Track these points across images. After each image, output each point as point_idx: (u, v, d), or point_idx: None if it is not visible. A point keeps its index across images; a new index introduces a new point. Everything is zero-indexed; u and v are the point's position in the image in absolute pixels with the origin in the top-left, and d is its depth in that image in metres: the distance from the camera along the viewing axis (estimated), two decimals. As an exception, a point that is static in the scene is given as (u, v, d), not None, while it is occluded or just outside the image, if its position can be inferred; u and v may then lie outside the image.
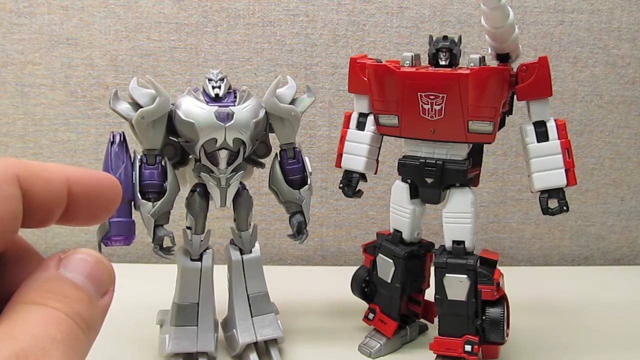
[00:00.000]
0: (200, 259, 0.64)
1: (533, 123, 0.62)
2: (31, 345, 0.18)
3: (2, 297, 0.21)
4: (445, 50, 0.62)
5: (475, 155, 0.66)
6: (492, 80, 0.59)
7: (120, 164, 0.59)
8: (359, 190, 0.69)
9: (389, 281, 0.68)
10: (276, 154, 0.67)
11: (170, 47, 0.94)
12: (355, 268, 0.74)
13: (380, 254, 0.69)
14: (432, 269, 0.66)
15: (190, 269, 0.64)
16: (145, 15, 0.93)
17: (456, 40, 0.63)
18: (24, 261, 0.23)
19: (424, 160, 0.64)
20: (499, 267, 0.64)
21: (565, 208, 0.62)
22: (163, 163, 0.61)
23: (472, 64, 0.61)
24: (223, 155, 0.61)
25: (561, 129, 0.61)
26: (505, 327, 0.63)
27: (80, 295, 0.21)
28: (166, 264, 0.65)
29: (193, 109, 0.60)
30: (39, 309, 0.19)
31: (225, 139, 0.60)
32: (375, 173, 0.70)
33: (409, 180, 0.66)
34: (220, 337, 0.68)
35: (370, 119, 0.67)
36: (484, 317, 0.62)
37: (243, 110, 0.60)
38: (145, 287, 0.77)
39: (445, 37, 0.63)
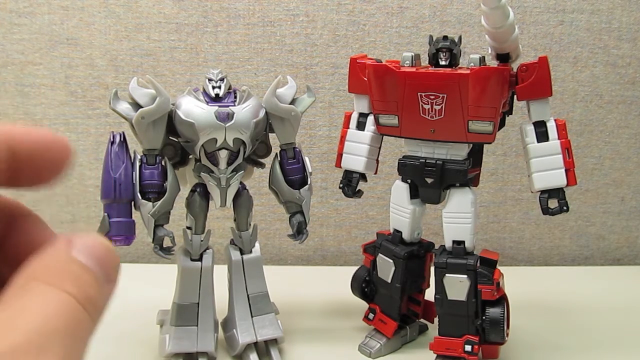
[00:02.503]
0: (200, 259, 0.64)
1: (533, 123, 0.62)
2: (42, 328, 0.18)
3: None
4: (446, 50, 0.62)
5: (475, 155, 0.66)
6: (492, 80, 0.59)
7: (120, 164, 0.59)
8: (359, 190, 0.69)
9: (389, 281, 0.68)
10: (276, 154, 0.67)
11: (170, 47, 0.94)
12: (355, 268, 0.74)
13: (380, 254, 0.69)
14: (432, 269, 0.66)
15: (190, 269, 0.64)
16: (145, 15, 0.93)
17: (456, 40, 0.63)
18: (19, 222, 0.23)
19: (424, 160, 0.64)
20: (499, 267, 0.64)
21: (565, 208, 0.62)
22: (163, 163, 0.61)
23: (472, 64, 0.61)
24: (223, 155, 0.61)
25: (561, 129, 0.61)
26: (505, 327, 0.63)
27: (91, 279, 0.20)
28: (166, 264, 0.65)
29: (193, 109, 0.60)
30: (51, 290, 0.19)
31: (225, 139, 0.60)
32: (375, 173, 0.70)
33: (409, 180, 0.66)
34: (220, 337, 0.68)
35: (370, 119, 0.67)
36: (484, 317, 0.62)
37: (243, 110, 0.60)
38: (145, 287, 0.77)
39: (445, 37, 0.63)
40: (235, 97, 0.61)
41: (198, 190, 0.64)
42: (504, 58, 0.61)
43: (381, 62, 0.65)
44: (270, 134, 0.66)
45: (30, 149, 0.21)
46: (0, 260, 0.23)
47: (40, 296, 0.19)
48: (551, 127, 0.62)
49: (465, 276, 0.62)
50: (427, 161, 0.64)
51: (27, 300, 0.18)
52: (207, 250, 0.65)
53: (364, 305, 0.73)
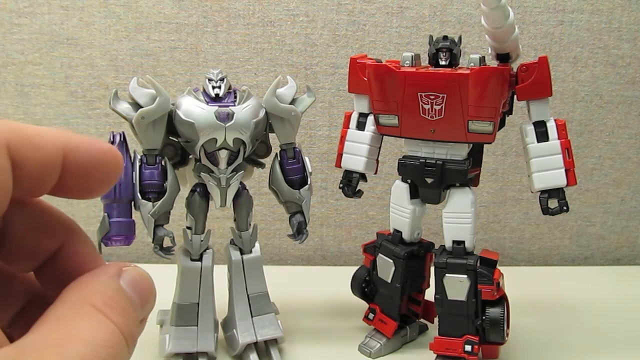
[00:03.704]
0: (200, 259, 0.64)
1: (533, 123, 0.62)
2: (89, 357, 0.18)
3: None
4: (446, 50, 0.62)
5: (476, 155, 0.66)
6: (492, 80, 0.59)
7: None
8: (359, 190, 0.69)
9: (389, 281, 0.68)
10: (276, 154, 0.67)
11: (170, 47, 0.94)
12: (355, 268, 0.74)
13: (380, 254, 0.69)
14: (432, 269, 0.66)
15: (190, 269, 0.64)
16: (145, 15, 0.93)
17: (456, 40, 0.63)
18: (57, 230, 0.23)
19: (424, 160, 0.64)
20: (499, 267, 0.64)
21: (565, 208, 0.62)
22: (163, 163, 0.61)
23: (472, 64, 0.61)
24: (223, 155, 0.61)
25: (561, 129, 0.61)
26: (505, 327, 0.63)
27: (135, 314, 0.21)
28: (166, 264, 0.65)
29: (193, 109, 0.60)
30: (102, 320, 0.19)
31: (225, 139, 0.60)
32: (375, 173, 0.70)
33: (409, 180, 0.66)
34: (220, 337, 0.68)
35: (371, 119, 0.67)
36: (484, 317, 0.62)
37: (243, 110, 0.60)
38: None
39: (445, 37, 0.63)
40: (235, 97, 0.61)
41: (198, 190, 0.64)
42: (504, 58, 0.61)
43: (381, 62, 0.65)
44: (270, 134, 0.66)
45: (83, 160, 0.21)
46: (48, 272, 0.23)
47: (91, 323, 0.19)
48: (551, 127, 0.62)
49: (465, 276, 0.62)
50: (427, 161, 0.64)
51: (78, 324, 0.19)
52: (207, 250, 0.65)
53: (364, 305, 0.73)
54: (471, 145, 0.64)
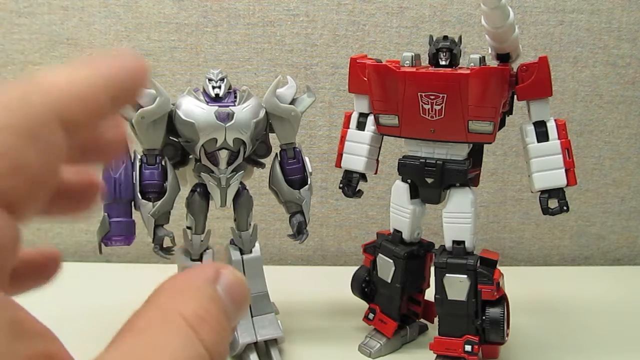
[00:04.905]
0: (200, 259, 0.64)
1: (533, 123, 0.62)
2: None
3: None
4: (446, 50, 0.62)
5: (476, 155, 0.66)
6: (492, 80, 0.59)
7: (120, 164, 0.59)
8: (359, 190, 0.69)
9: (389, 281, 0.68)
10: (276, 154, 0.67)
11: (170, 47, 0.94)
12: (355, 268, 0.74)
13: (380, 254, 0.69)
14: (432, 269, 0.66)
15: (190, 269, 0.63)
16: (145, 15, 0.93)
17: (456, 40, 0.63)
18: None
19: (424, 160, 0.64)
20: (499, 267, 0.64)
21: (565, 208, 0.62)
22: (163, 163, 0.61)
23: (472, 64, 0.61)
24: (223, 155, 0.61)
25: (561, 129, 0.61)
26: (505, 327, 0.63)
27: (226, 332, 0.19)
28: (166, 264, 0.65)
29: (193, 109, 0.60)
30: (191, 338, 0.18)
31: (225, 139, 0.60)
32: (376, 173, 0.70)
33: (409, 180, 0.66)
34: (220, 337, 0.68)
35: (371, 119, 0.67)
36: (484, 317, 0.62)
37: (243, 110, 0.61)
38: (145, 287, 0.76)
39: (445, 37, 0.63)
40: (236, 97, 0.61)
41: (198, 190, 0.64)
42: (504, 58, 0.61)
43: (381, 62, 0.65)
44: (270, 134, 0.66)
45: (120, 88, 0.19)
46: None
47: (178, 340, 0.17)
48: (551, 127, 0.62)
49: (465, 276, 0.62)
50: (427, 161, 0.64)
51: (165, 339, 0.17)
52: (207, 250, 0.65)
53: (364, 305, 0.73)
54: (471, 145, 0.64)
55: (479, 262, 0.63)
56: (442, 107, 0.61)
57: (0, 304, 0.15)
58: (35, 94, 0.17)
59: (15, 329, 0.16)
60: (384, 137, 0.68)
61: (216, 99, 0.60)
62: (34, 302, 0.22)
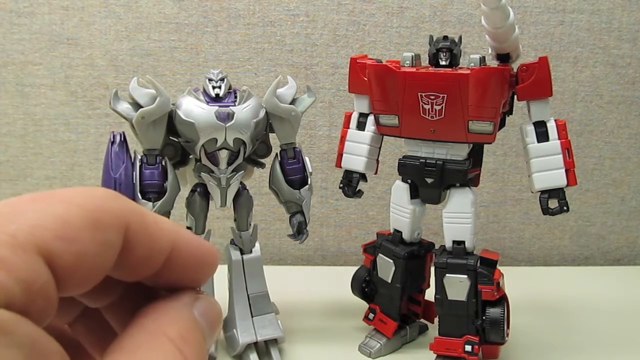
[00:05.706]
0: (200, 259, 0.64)
1: (533, 123, 0.62)
2: None
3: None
4: (446, 50, 0.62)
5: (476, 155, 0.66)
6: (492, 80, 0.59)
7: (120, 164, 0.59)
8: (359, 190, 0.69)
9: (389, 281, 0.68)
10: (276, 154, 0.67)
11: (171, 47, 0.94)
12: (355, 268, 0.74)
13: (380, 254, 0.69)
14: (433, 269, 0.66)
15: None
16: (146, 15, 0.93)
17: (456, 40, 0.63)
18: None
19: (424, 160, 0.64)
20: (499, 267, 0.64)
21: (565, 208, 0.62)
22: (163, 163, 0.61)
23: (472, 64, 0.61)
24: (223, 155, 0.61)
25: (561, 129, 0.61)
26: (505, 327, 0.63)
27: (205, 353, 0.21)
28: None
29: (193, 109, 0.60)
30: (175, 353, 0.19)
31: (225, 139, 0.60)
32: (376, 173, 0.70)
33: (409, 180, 0.66)
34: (220, 337, 0.68)
35: (371, 119, 0.67)
36: (484, 317, 0.62)
37: (243, 110, 0.61)
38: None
39: (445, 37, 0.63)
40: (236, 97, 0.61)
41: (198, 190, 0.64)
42: (504, 58, 0.61)
43: (381, 62, 0.65)
44: (270, 134, 0.66)
45: (186, 257, 0.21)
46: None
47: (165, 357, 0.19)
48: (551, 127, 0.62)
49: (466, 276, 0.62)
50: (427, 161, 0.64)
51: (153, 356, 0.19)
52: (207, 250, 0.65)
53: (364, 305, 0.73)
54: (471, 145, 0.64)
55: (479, 262, 0.63)
56: (442, 107, 0.61)
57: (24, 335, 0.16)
58: (118, 204, 0.19)
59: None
60: (384, 137, 0.68)
61: (216, 99, 0.60)
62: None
